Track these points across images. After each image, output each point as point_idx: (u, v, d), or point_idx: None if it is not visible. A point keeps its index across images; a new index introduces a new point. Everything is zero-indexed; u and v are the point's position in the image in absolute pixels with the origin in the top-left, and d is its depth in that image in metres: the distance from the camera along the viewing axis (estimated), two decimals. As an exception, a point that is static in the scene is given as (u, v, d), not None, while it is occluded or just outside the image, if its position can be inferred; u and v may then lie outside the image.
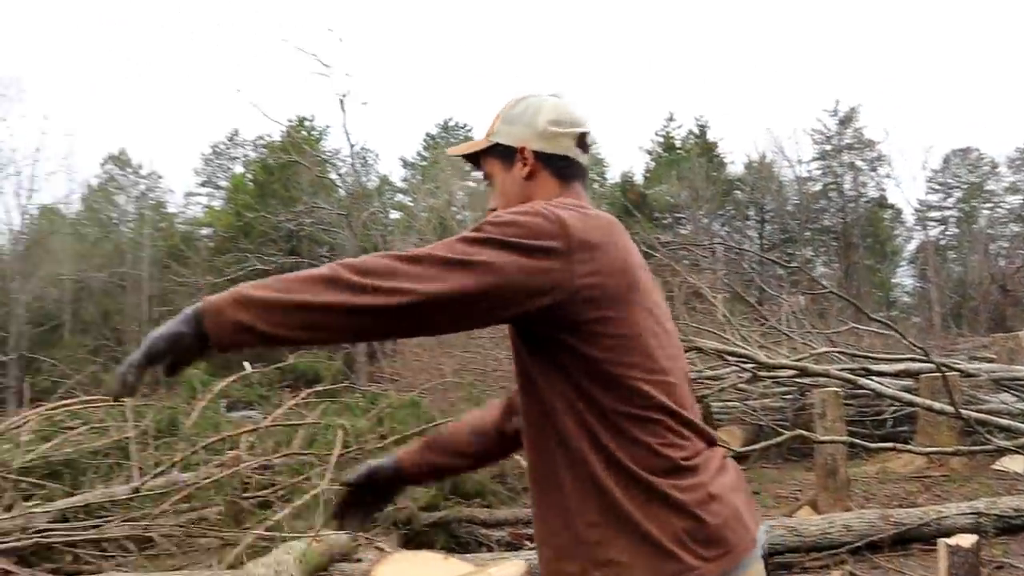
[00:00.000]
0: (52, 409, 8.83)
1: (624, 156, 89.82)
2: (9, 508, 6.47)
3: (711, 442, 1.49)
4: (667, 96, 73.34)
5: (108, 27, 65.39)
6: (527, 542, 5.58)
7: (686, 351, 8.45)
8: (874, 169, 39.93)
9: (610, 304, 1.39)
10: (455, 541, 5.97)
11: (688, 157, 39.33)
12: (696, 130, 43.11)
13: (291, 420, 7.86)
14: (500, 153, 1.68)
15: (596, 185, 41.77)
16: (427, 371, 12.16)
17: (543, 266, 1.33)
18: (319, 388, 8.87)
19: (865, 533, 5.35)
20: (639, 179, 43.34)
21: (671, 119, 44.60)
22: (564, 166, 1.65)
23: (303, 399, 8.47)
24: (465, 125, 46.20)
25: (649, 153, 45.01)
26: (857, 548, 5.28)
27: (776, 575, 5.11)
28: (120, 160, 44.77)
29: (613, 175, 45.54)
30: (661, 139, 44.66)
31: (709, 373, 9.43)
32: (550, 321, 1.38)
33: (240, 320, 1.27)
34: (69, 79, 68.38)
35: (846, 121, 39.54)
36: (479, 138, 1.75)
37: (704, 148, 40.74)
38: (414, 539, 5.86)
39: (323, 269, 1.31)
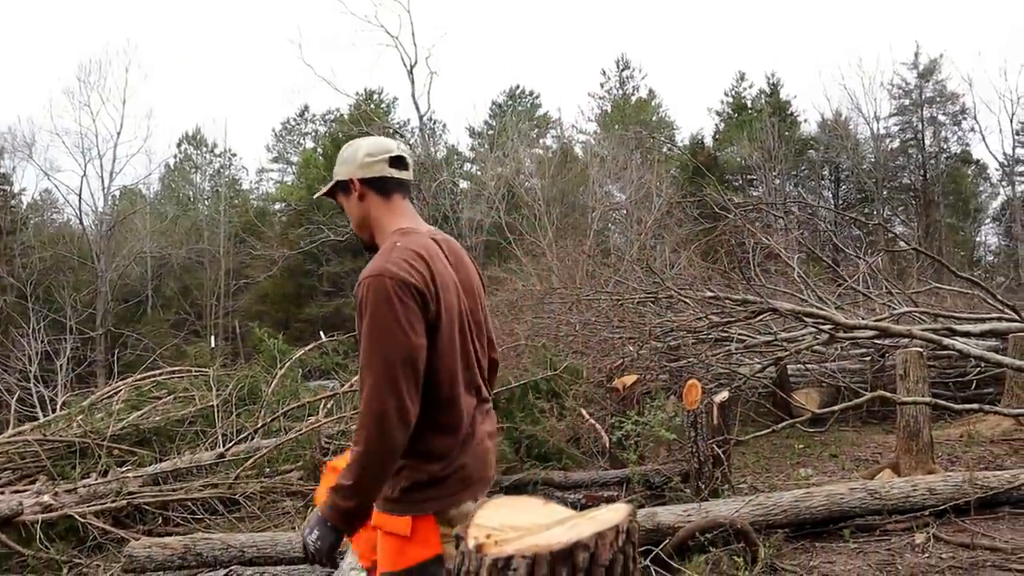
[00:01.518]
0: (140, 380, 9.20)
1: (693, 118, 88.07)
2: (104, 473, 6.81)
3: (482, 400, 2.29)
4: (736, 55, 71.35)
5: (178, 6, 66.63)
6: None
7: (761, 312, 8.36)
8: (957, 123, 38.27)
9: (443, 319, 2.12)
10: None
11: (759, 117, 38.36)
12: (767, 89, 42.00)
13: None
14: (341, 187, 2.36)
15: (665, 148, 41.15)
16: (499, 336, 12.24)
17: (414, 314, 2.08)
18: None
19: (950, 497, 5.20)
20: (709, 141, 42.58)
21: (742, 79, 43.58)
22: (382, 185, 2.30)
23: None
24: (532, 92, 45.93)
25: (719, 114, 44.12)
26: (942, 511, 5.15)
27: (856, 537, 5.04)
28: (195, 140, 45.96)
29: (683, 137, 44.89)
30: (731, 100, 43.67)
31: (784, 335, 9.28)
32: None
33: (344, 527, 2.09)
34: (145, 62, 70.08)
35: (926, 74, 37.91)
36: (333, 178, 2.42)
37: (776, 107, 39.62)
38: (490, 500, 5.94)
39: (348, 473, 2.05)
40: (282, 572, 4.85)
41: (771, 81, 41.79)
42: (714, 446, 6.02)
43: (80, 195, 34.22)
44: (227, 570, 4.91)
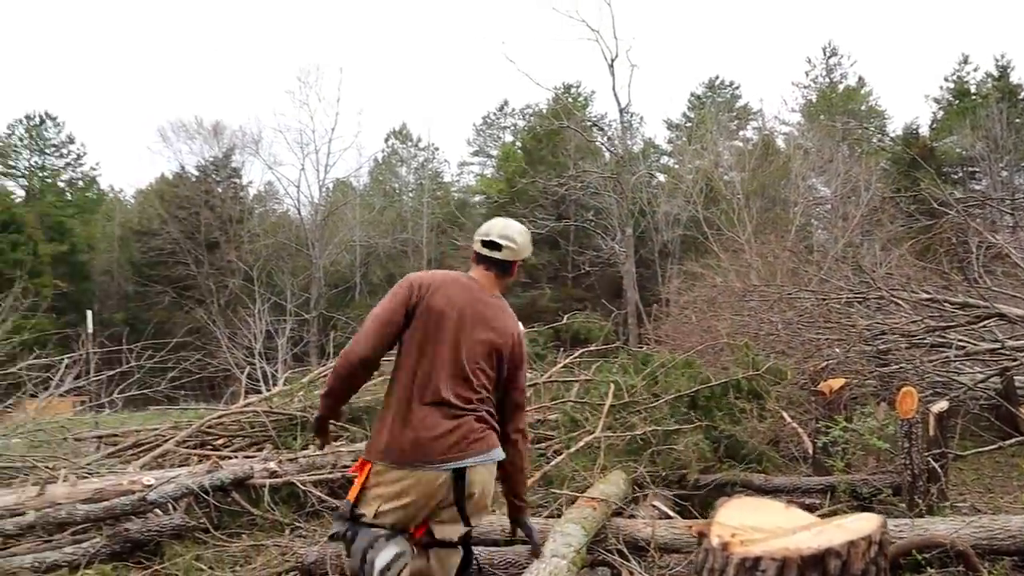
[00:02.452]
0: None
1: (907, 106, 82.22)
2: (321, 447, 7.33)
3: (437, 401, 2.99)
4: (958, 37, 65.92)
5: (387, 7, 70.16)
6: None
7: (986, 317, 7.76)
8: None
9: (421, 315, 3.04)
10: (728, 505, 5.92)
11: (985, 103, 35.21)
12: (995, 72, 38.46)
13: (566, 377, 8.15)
14: None
15: (875, 139, 38.78)
16: (697, 333, 12.06)
17: (399, 295, 3.08)
18: (592, 348, 9.10)
19: None
20: (925, 131, 39.68)
21: (965, 62, 40.23)
22: (476, 256, 3.29)
23: (576, 358, 8.74)
24: (732, 83, 44.66)
25: (937, 101, 40.98)
26: None
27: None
28: (401, 135, 48.30)
29: (895, 127, 42.09)
30: (952, 85, 40.41)
31: (1012, 343, 8.52)
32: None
33: (321, 416, 3.30)
34: (357, 62, 74.38)
35: None
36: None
37: (1005, 92, 36.17)
38: (688, 499, 5.90)
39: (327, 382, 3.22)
40: (485, 552, 5.04)
41: (1000, 63, 38.30)
42: (930, 459, 5.65)
43: (298, 187, 37.08)
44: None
